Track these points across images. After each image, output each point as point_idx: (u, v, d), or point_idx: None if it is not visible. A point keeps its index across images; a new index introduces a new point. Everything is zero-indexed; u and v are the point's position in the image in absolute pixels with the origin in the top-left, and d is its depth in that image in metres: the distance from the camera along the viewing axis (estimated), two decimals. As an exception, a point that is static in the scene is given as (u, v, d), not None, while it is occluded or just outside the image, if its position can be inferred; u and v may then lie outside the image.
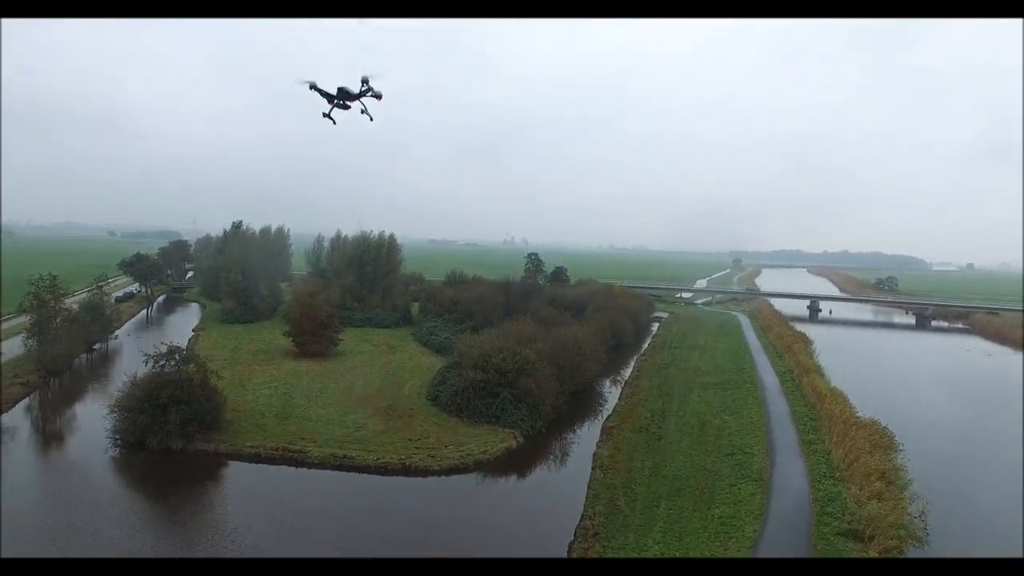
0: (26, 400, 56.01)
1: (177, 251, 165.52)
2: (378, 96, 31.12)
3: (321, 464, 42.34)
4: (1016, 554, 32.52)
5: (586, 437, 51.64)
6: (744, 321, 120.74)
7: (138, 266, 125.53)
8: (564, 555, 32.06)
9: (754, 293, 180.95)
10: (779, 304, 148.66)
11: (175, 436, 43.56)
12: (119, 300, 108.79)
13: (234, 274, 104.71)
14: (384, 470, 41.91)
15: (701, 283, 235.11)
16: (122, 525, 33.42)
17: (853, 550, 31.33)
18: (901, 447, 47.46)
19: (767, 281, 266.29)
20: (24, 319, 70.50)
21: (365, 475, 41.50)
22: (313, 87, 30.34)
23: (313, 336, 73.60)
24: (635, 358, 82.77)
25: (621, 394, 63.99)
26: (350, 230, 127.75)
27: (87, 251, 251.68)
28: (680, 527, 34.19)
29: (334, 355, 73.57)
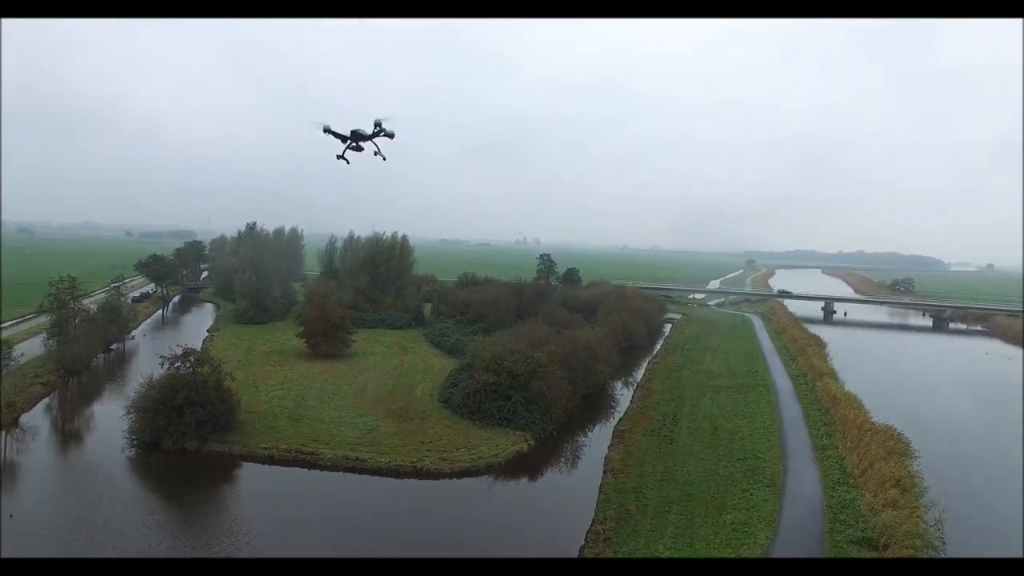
0: (46, 400, 57.03)
1: (192, 251, 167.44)
2: (390, 135, 31.77)
3: (334, 466, 42.66)
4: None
5: (597, 440, 51.52)
6: (757, 323, 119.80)
7: (154, 267, 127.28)
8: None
9: (767, 295, 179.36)
10: (793, 305, 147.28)
11: (190, 437, 44.17)
12: (136, 301, 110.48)
13: (248, 275, 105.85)
14: (396, 473, 42.15)
15: (714, 284, 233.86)
16: (139, 525, 33.93)
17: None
18: (917, 453, 46.84)
19: (781, 282, 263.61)
20: (44, 319, 71.77)
21: (377, 477, 41.77)
22: (327, 130, 30.99)
23: (326, 337, 74.17)
24: (647, 360, 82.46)
25: (633, 397, 63.78)
26: (362, 230, 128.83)
27: (104, 251, 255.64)
28: (691, 533, 34.05)
29: (346, 356, 74.07)
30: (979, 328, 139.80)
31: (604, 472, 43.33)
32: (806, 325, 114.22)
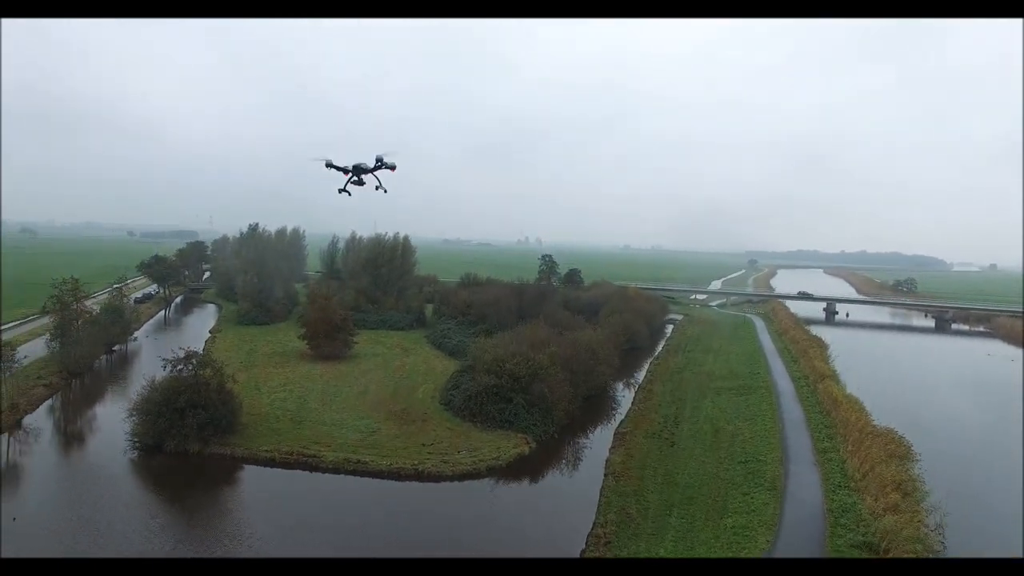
0: (49, 401, 57.22)
1: (194, 252, 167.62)
2: (392, 167, 32.04)
3: (335, 469, 42.76)
4: None
5: (599, 443, 51.56)
6: (759, 324, 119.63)
7: (156, 268, 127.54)
8: (576, 564, 32.06)
9: (768, 296, 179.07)
10: (795, 306, 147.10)
11: (192, 440, 44.29)
12: (138, 301, 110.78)
13: (250, 276, 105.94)
14: (397, 475, 42.22)
15: (716, 284, 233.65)
16: (141, 528, 34.05)
17: (868, 563, 30.99)
18: (918, 457, 46.79)
19: (783, 282, 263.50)
20: (47, 320, 71.97)
21: (378, 480, 41.86)
22: (329, 164, 31.36)
23: (328, 339, 74.24)
24: (649, 361, 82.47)
25: (634, 399, 63.78)
26: (363, 230, 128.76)
27: (106, 251, 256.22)
28: (692, 537, 34.08)
29: (348, 357, 74.16)
30: (981, 329, 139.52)
31: (605, 475, 43.37)
32: (808, 326, 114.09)
